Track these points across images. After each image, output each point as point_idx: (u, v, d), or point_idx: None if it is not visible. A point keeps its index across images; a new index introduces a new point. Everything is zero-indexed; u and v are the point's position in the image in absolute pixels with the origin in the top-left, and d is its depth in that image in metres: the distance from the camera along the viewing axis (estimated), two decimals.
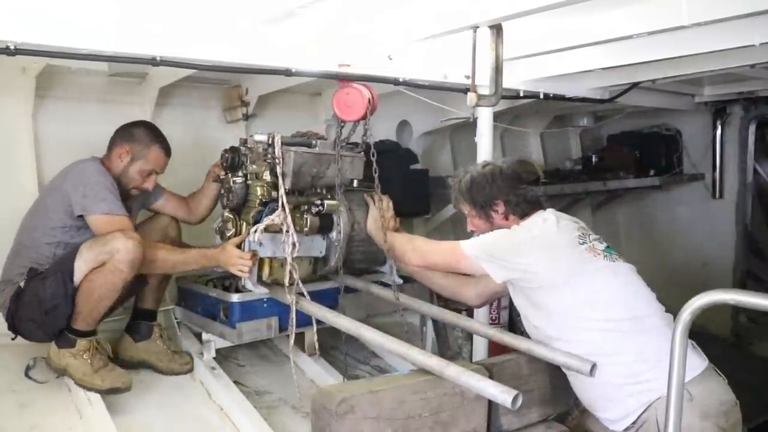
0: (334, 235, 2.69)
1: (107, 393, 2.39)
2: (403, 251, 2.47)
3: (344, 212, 2.68)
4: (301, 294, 2.46)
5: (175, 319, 3.03)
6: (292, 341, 2.47)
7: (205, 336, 2.82)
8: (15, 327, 2.48)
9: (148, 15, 1.99)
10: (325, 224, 2.66)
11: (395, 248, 2.52)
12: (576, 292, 2.06)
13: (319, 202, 2.60)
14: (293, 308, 2.43)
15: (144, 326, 2.77)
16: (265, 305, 2.66)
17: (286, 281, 2.42)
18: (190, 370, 2.77)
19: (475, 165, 2.43)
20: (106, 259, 2.30)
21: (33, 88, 2.92)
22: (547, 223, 2.18)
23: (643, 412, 1.99)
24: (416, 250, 2.41)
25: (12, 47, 1.82)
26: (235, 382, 2.74)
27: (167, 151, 2.70)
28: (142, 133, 2.64)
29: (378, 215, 2.66)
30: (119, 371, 2.47)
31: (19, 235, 2.58)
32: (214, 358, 2.82)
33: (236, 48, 2.18)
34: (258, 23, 2.18)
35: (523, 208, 2.26)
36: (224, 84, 3.66)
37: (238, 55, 2.21)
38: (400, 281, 2.84)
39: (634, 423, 2.02)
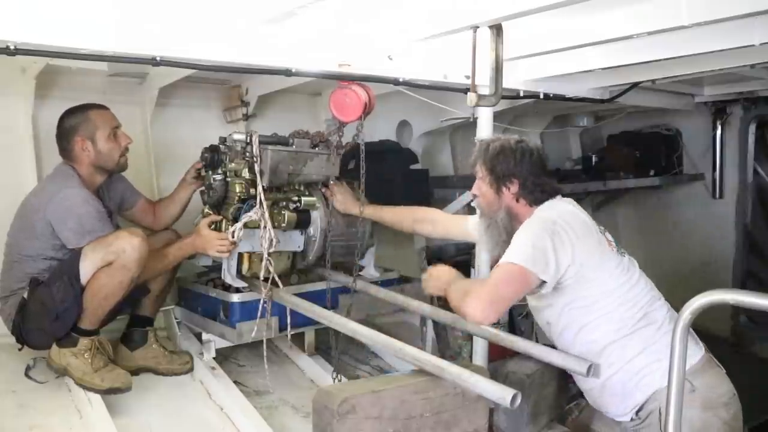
0: (311, 230, 2.77)
1: (107, 393, 2.39)
2: (458, 307, 2.07)
3: (321, 208, 2.74)
4: (276, 286, 2.50)
5: (175, 319, 3.02)
6: (261, 331, 2.49)
7: (205, 336, 2.82)
8: (22, 337, 2.48)
9: (147, 15, 1.99)
10: (302, 220, 2.71)
11: (451, 300, 2.14)
12: (600, 286, 2.06)
13: (296, 198, 2.67)
14: (262, 300, 2.49)
15: (137, 333, 2.74)
16: (264, 305, 2.65)
17: (262, 275, 2.48)
18: (190, 370, 2.77)
19: (511, 136, 2.32)
20: (113, 259, 2.32)
21: (33, 88, 2.92)
22: (573, 209, 2.18)
23: (646, 403, 2.00)
24: (481, 299, 1.99)
25: (12, 47, 1.82)
26: (235, 382, 2.74)
27: (100, 106, 2.63)
28: (71, 119, 2.56)
29: (346, 192, 2.76)
30: (119, 371, 2.46)
31: (8, 252, 2.55)
32: (214, 358, 2.82)
33: (236, 48, 2.18)
34: (258, 23, 2.18)
35: (537, 196, 2.20)
36: (224, 84, 3.65)
37: (238, 55, 2.20)
38: (377, 274, 2.96)
39: (638, 414, 2.03)
